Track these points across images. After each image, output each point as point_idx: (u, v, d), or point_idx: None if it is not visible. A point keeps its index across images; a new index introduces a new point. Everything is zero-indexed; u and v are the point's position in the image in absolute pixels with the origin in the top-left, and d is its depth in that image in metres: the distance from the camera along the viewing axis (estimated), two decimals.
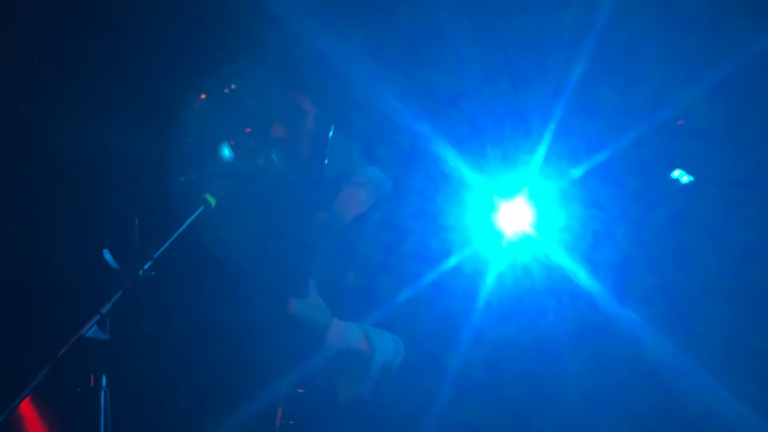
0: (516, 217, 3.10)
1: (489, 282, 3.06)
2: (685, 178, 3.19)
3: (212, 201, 2.48)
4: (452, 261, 2.98)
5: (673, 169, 3.19)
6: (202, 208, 2.46)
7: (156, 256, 2.34)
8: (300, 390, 2.80)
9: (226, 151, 2.59)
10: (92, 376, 2.24)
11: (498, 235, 3.09)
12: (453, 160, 3.05)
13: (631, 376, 3.14)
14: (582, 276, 3.13)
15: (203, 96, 2.92)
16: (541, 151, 3.11)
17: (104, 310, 2.24)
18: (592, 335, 3.14)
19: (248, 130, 2.82)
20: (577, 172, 3.15)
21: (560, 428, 3.16)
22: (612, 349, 3.14)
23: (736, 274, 3.14)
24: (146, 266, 2.33)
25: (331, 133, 2.86)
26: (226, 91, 2.89)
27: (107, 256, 2.27)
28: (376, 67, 2.99)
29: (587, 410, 3.15)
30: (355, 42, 2.95)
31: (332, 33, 2.90)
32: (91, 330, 2.22)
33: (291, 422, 2.81)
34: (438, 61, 3.17)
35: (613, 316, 3.11)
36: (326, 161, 2.85)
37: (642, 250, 3.16)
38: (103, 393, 2.22)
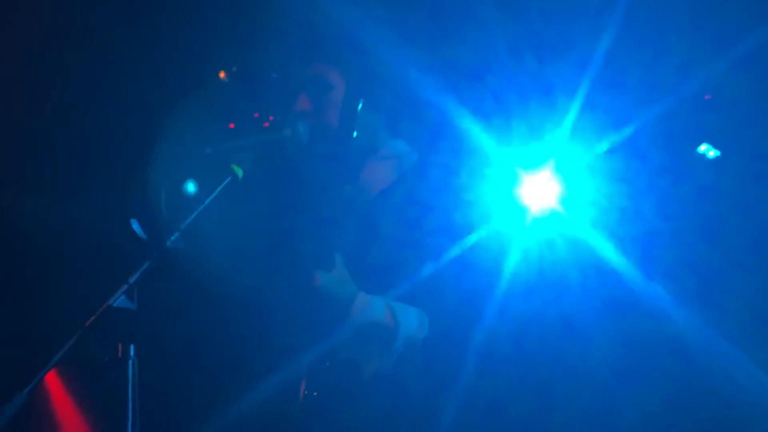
0: (541, 192, 3.05)
1: (514, 256, 3.01)
2: (712, 153, 3.14)
3: (239, 172, 2.44)
4: (477, 236, 2.93)
5: (700, 142, 3.13)
6: (228, 180, 2.42)
7: (183, 227, 2.30)
8: (327, 364, 2.75)
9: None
10: (119, 345, 2.20)
11: (523, 209, 3.04)
12: (478, 134, 2.99)
13: (657, 351, 3.09)
14: (608, 250, 3.08)
15: (228, 70, 2.87)
16: (567, 125, 3.06)
17: (132, 280, 2.19)
18: (618, 310, 3.10)
19: (274, 102, 2.76)
20: (603, 146, 3.10)
21: (585, 403, 3.12)
22: (638, 324, 3.10)
23: (765, 247, 3.09)
24: (174, 237, 2.28)
25: (360, 106, 2.81)
26: (252, 64, 2.84)
27: (135, 226, 2.22)
28: (400, 41, 2.93)
29: (613, 385, 3.10)
30: (378, 16, 2.89)
31: (355, 7, 2.84)
32: (118, 300, 2.18)
33: (315, 394, 2.76)
34: (462, 34, 3.11)
35: (639, 290, 3.07)
36: (355, 134, 2.79)
37: (669, 224, 3.11)
38: (130, 363, 2.18)
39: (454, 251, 2.87)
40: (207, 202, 2.35)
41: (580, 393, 3.12)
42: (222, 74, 2.86)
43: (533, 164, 3.05)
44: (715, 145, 3.10)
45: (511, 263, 3.00)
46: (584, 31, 3.07)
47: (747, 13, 2.95)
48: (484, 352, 2.86)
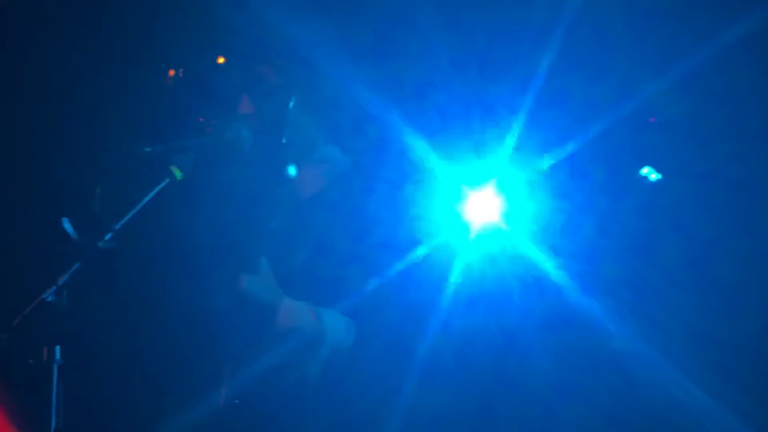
0: (484, 208, 3.03)
1: (457, 271, 2.98)
2: (654, 176, 3.13)
3: (178, 174, 2.35)
4: (421, 251, 2.89)
5: (638, 160, 3.12)
6: (167, 181, 2.33)
7: (117, 227, 2.20)
8: (251, 370, 2.65)
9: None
10: (45, 348, 2.10)
11: (466, 225, 3.01)
12: (422, 150, 2.96)
13: (595, 365, 3.06)
14: (548, 266, 3.05)
15: (173, 70, 2.80)
16: (510, 142, 3.03)
17: (62, 280, 2.10)
18: (558, 325, 3.07)
19: (215, 105, 2.69)
20: (544, 163, 3.08)
21: (526, 416, 3.08)
22: (577, 339, 3.07)
23: (700, 265, 3.07)
24: (107, 237, 2.19)
25: (292, 104, 2.74)
26: (197, 65, 2.77)
27: (67, 225, 2.13)
28: (345, 56, 2.88)
29: (552, 398, 3.07)
30: (324, 32, 2.84)
31: (301, 23, 2.79)
32: (46, 301, 2.09)
33: (236, 401, 2.66)
34: (407, 51, 3.07)
35: (578, 306, 3.04)
36: (284, 140, 2.72)
37: (608, 241, 3.09)
38: (55, 366, 2.09)
39: (399, 265, 2.83)
40: (143, 203, 2.26)
41: (521, 406, 3.08)
42: (171, 73, 2.78)
43: (477, 180, 3.03)
44: (653, 164, 3.09)
45: (455, 278, 2.96)
46: (527, 51, 3.05)
47: (684, 33, 2.94)
48: (427, 365, 2.82)
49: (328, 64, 2.83)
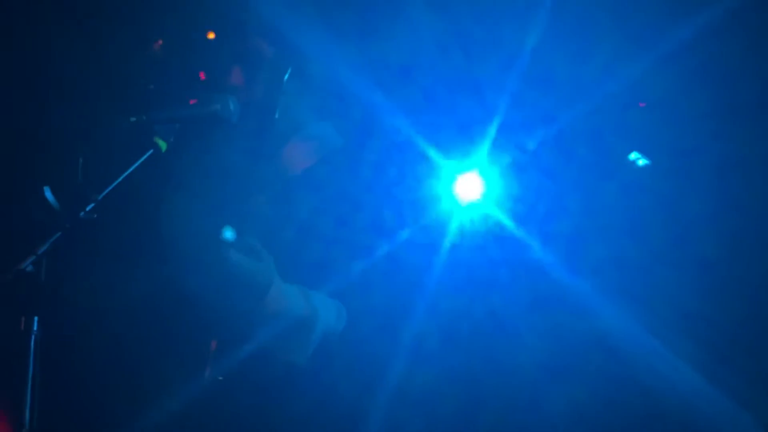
0: (470, 189, 2.92)
1: (443, 254, 2.85)
2: (641, 161, 3.03)
3: (162, 145, 2.19)
4: (406, 233, 2.75)
5: (624, 139, 3.01)
6: (151, 152, 2.18)
7: (99, 198, 2.05)
8: (220, 378, 2.47)
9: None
10: (23, 318, 1.94)
11: (452, 206, 2.89)
12: (407, 131, 2.83)
13: (583, 345, 2.96)
14: (535, 246, 2.94)
15: (160, 41, 2.64)
16: (495, 122, 2.92)
17: (41, 250, 1.94)
18: (544, 305, 2.96)
19: (203, 75, 2.53)
20: (530, 143, 2.97)
21: (513, 398, 2.96)
22: (564, 319, 2.96)
23: (687, 244, 2.97)
24: (88, 208, 2.03)
25: (287, 76, 2.58)
26: (186, 38, 2.61)
27: (48, 194, 1.98)
28: (328, 37, 2.74)
29: (540, 380, 2.95)
30: (306, 13, 2.70)
31: (284, 6, 2.64)
32: (24, 270, 1.93)
33: (220, 378, 2.48)
34: (391, 32, 2.95)
35: (565, 286, 2.93)
36: (277, 115, 2.56)
37: (594, 220, 2.99)
38: (33, 337, 1.93)
39: (384, 248, 2.69)
40: (126, 173, 2.11)
41: (509, 389, 2.97)
42: (159, 43, 2.62)
43: (462, 161, 2.92)
44: (639, 142, 2.98)
45: (440, 260, 2.84)
46: (512, 30, 2.94)
47: (670, 10, 2.84)
48: (413, 349, 2.68)
49: (313, 47, 2.69)
